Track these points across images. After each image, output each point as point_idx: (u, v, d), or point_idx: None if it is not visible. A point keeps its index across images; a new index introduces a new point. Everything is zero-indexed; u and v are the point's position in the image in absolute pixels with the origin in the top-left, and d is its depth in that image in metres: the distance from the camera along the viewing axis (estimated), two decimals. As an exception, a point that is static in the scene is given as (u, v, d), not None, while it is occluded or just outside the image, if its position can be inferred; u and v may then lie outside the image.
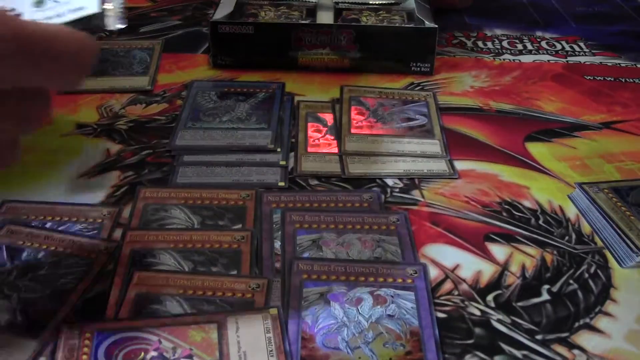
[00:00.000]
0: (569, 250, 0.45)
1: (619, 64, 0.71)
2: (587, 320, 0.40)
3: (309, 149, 0.55)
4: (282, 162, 0.52)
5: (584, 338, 0.38)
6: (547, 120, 0.60)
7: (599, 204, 0.49)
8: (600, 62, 0.71)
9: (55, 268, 0.41)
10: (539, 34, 0.77)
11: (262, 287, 0.40)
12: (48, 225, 0.45)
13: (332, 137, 0.56)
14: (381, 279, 0.41)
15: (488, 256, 0.44)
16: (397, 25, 0.67)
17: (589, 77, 0.68)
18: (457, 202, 0.49)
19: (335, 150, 0.55)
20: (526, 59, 0.71)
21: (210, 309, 0.38)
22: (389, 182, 0.51)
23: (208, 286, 0.40)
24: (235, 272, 0.41)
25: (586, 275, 0.43)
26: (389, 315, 0.39)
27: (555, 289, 0.42)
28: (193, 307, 0.38)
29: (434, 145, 0.55)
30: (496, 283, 0.42)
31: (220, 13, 0.67)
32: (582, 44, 0.75)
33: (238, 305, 0.39)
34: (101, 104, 0.60)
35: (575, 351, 0.38)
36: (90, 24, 0.31)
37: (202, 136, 0.55)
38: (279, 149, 0.54)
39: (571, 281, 0.42)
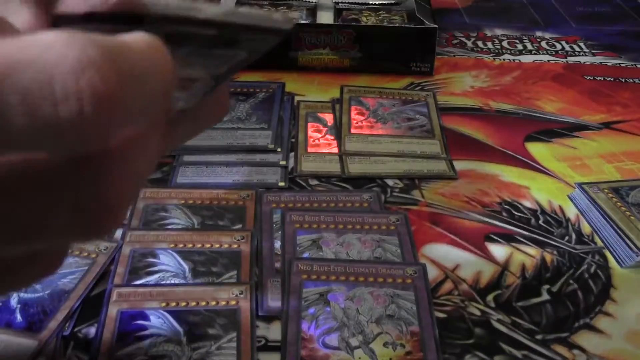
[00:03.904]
0: (569, 250, 0.45)
1: (619, 64, 0.71)
2: (587, 320, 0.40)
3: (309, 149, 0.55)
4: (282, 162, 0.52)
5: (584, 338, 0.38)
6: (547, 120, 0.60)
7: (599, 204, 0.49)
8: (600, 62, 0.71)
9: (55, 268, 0.41)
10: (539, 34, 0.77)
11: (246, 293, 0.40)
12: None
13: (332, 137, 0.56)
14: (381, 279, 0.41)
15: (488, 256, 0.44)
16: (397, 25, 0.67)
17: (589, 77, 0.68)
18: (457, 202, 0.49)
19: (335, 150, 0.55)
20: (526, 59, 0.71)
21: (196, 320, 0.38)
22: (389, 182, 0.51)
23: (191, 297, 0.39)
24: (235, 272, 0.41)
25: (586, 275, 0.43)
26: (389, 315, 0.39)
27: (555, 289, 0.42)
28: (179, 320, 0.38)
29: (434, 145, 0.55)
30: (496, 283, 0.42)
31: (220, 13, 0.66)
32: (582, 44, 0.75)
33: (224, 313, 0.38)
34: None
35: (575, 351, 0.38)
36: None
37: (202, 136, 0.55)
38: (279, 149, 0.54)
39: (571, 281, 0.42)
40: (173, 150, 0.53)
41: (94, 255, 0.42)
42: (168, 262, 0.42)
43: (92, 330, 0.37)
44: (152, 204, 0.47)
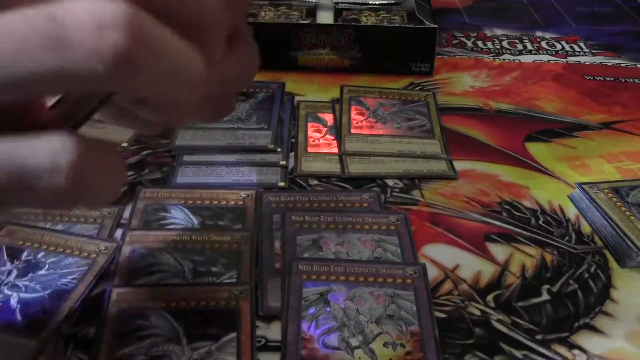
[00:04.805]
0: (569, 250, 0.45)
1: (619, 64, 0.71)
2: (587, 320, 0.40)
3: (309, 149, 0.55)
4: (282, 162, 0.52)
5: (584, 338, 0.38)
6: (547, 120, 0.60)
7: (599, 204, 0.49)
8: (600, 62, 0.71)
9: (55, 268, 0.41)
10: (539, 34, 0.77)
11: (246, 293, 0.40)
12: (48, 225, 0.45)
13: (332, 137, 0.56)
14: (381, 279, 0.41)
15: (488, 256, 0.44)
16: (397, 25, 0.67)
17: (589, 77, 0.68)
18: (457, 202, 0.49)
19: (335, 150, 0.55)
20: (526, 59, 0.71)
21: (196, 320, 0.38)
22: (389, 182, 0.51)
23: (191, 297, 0.39)
24: (235, 272, 0.41)
25: (586, 275, 0.43)
26: (389, 315, 0.39)
27: (555, 289, 0.42)
28: (179, 320, 0.38)
29: (434, 145, 0.55)
30: (496, 283, 0.42)
31: (220, 13, 0.66)
32: (582, 44, 0.75)
33: (224, 313, 0.38)
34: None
35: (575, 351, 0.38)
36: None
37: (202, 136, 0.55)
38: (279, 149, 0.54)
39: (571, 281, 0.42)
40: (173, 150, 0.53)
41: (93, 255, 0.42)
42: (168, 262, 0.42)
43: (92, 330, 0.37)
44: (152, 204, 0.47)
